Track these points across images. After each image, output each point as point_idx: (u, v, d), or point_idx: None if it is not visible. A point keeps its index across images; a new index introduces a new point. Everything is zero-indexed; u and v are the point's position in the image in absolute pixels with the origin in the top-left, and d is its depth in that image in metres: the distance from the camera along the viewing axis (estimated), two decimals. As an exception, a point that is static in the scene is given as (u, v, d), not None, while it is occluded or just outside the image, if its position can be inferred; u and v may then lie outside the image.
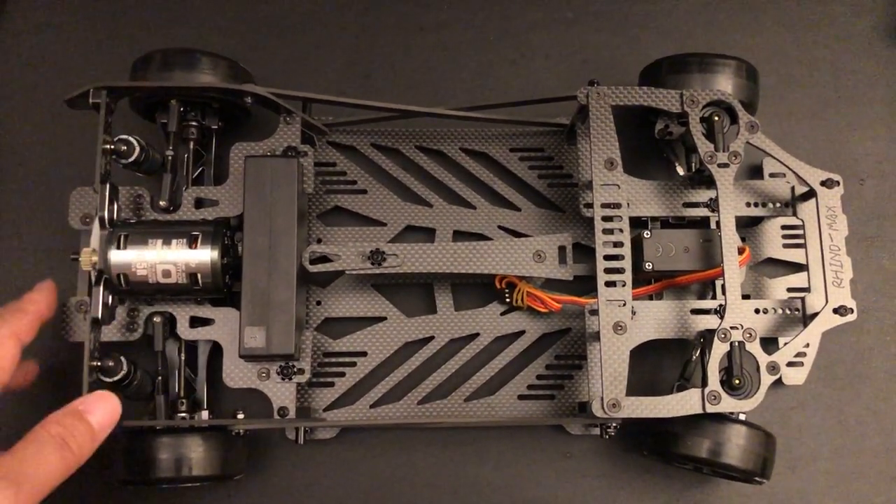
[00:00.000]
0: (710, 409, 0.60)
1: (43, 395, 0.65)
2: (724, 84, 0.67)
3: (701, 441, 0.62)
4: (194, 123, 0.67)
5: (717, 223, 0.64)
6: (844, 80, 0.78)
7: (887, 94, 0.78)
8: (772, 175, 0.72)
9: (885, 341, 0.73)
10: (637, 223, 0.69)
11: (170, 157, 0.65)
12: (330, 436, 0.69)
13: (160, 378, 0.64)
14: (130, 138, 0.63)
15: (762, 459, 0.63)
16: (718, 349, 0.61)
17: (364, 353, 0.69)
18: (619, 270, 0.62)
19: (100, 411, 0.53)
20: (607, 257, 0.62)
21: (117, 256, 0.60)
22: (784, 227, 0.71)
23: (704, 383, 0.61)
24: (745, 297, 0.70)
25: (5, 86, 0.76)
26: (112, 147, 0.61)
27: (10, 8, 0.77)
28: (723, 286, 0.62)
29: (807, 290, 0.69)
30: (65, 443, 0.50)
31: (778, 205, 0.70)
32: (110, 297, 0.61)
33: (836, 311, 0.65)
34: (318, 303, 0.70)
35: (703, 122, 0.65)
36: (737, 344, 0.61)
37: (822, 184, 0.67)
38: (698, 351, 0.67)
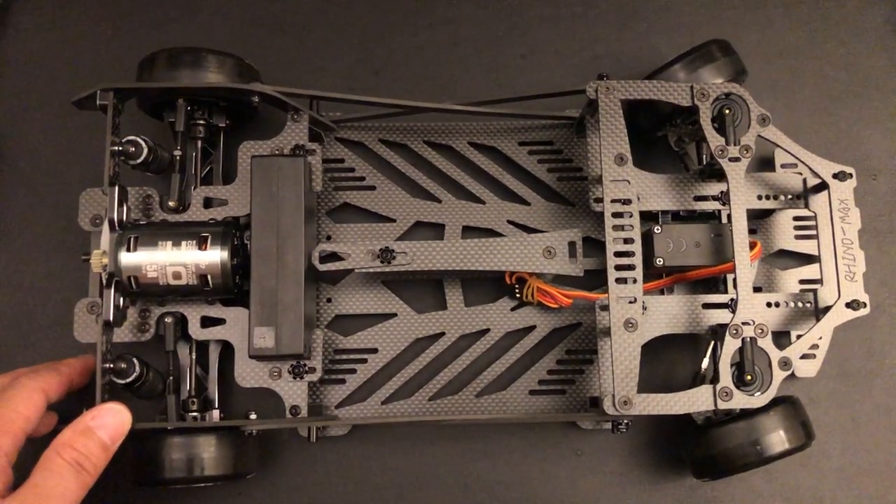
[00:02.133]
0: (722, 405, 0.59)
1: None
2: (709, 73, 0.66)
3: (746, 447, 0.61)
4: (202, 122, 0.67)
5: (729, 217, 0.63)
6: (856, 74, 0.77)
7: (900, 89, 0.77)
8: (783, 166, 0.71)
9: (898, 336, 0.72)
10: (648, 216, 0.68)
11: (178, 157, 0.65)
12: (342, 433, 0.69)
13: (171, 378, 0.64)
14: (139, 139, 0.63)
15: (802, 427, 0.63)
16: (730, 345, 0.61)
17: (375, 350, 0.70)
18: (630, 267, 0.61)
19: (111, 426, 0.53)
20: (618, 254, 0.62)
21: (127, 259, 0.60)
22: (796, 219, 0.71)
23: (716, 379, 0.60)
24: (757, 289, 0.70)
25: (12, 85, 0.76)
26: (120, 149, 0.61)
27: (17, 7, 0.77)
28: (734, 281, 0.62)
29: (819, 282, 0.69)
30: (81, 467, 0.50)
31: (790, 197, 0.69)
32: (121, 299, 0.61)
33: (848, 305, 0.65)
34: (329, 300, 0.70)
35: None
36: (748, 340, 0.61)
37: (835, 176, 0.66)
38: (711, 345, 0.66)
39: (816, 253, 0.69)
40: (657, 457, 0.70)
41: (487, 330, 0.70)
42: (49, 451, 0.51)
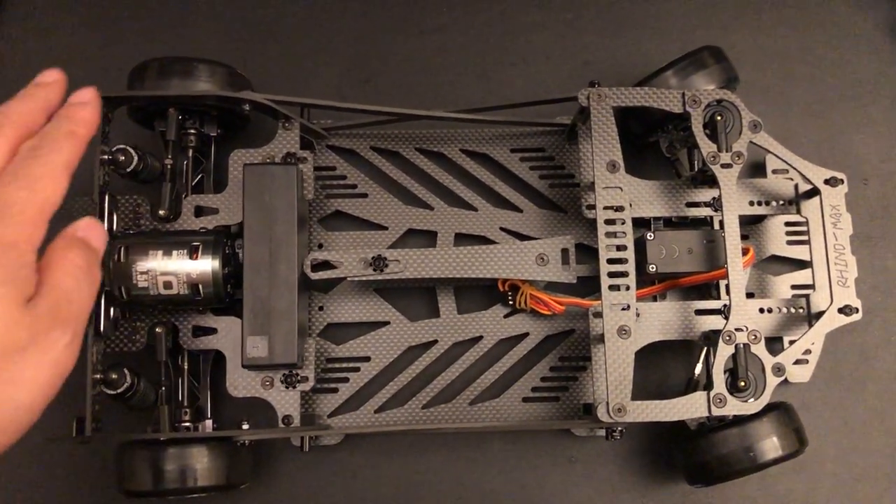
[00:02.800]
0: (716, 412, 0.59)
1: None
2: (701, 79, 0.66)
3: (739, 454, 0.61)
4: (193, 131, 0.67)
5: (721, 223, 0.63)
6: (847, 78, 0.77)
7: (891, 93, 0.77)
8: (774, 172, 0.71)
9: (890, 342, 0.72)
10: (640, 223, 0.68)
11: (169, 166, 0.65)
12: (335, 442, 0.69)
13: (163, 388, 0.64)
14: (128, 148, 0.62)
15: (795, 434, 0.63)
16: (723, 351, 0.61)
17: (367, 359, 0.69)
18: (623, 274, 0.61)
19: (96, 237, 0.46)
20: (611, 261, 0.61)
21: (118, 268, 0.60)
22: (788, 224, 0.71)
23: (709, 386, 0.60)
24: (749, 295, 0.70)
25: (2, 93, 0.75)
26: (110, 157, 0.61)
27: (7, 16, 0.77)
28: (727, 287, 0.62)
29: (811, 287, 0.69)
30: (90, 271, 0.44)
31: (781, 203, 0.69)
32: (112, 309, 0.60)
33: (841, 310, 0.65)
34: (321, 308, 0.70)
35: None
36: (742, 346, 0.61)
37: (826, 182, 0.66)
38: (704, 352, 0.66)
39: (808, 258, 0.69)
40: (650, 463, 0.70)
41: (480, 337, 0.70)
42: (52, 256, 0.43)
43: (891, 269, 0.74)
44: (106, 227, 0.60)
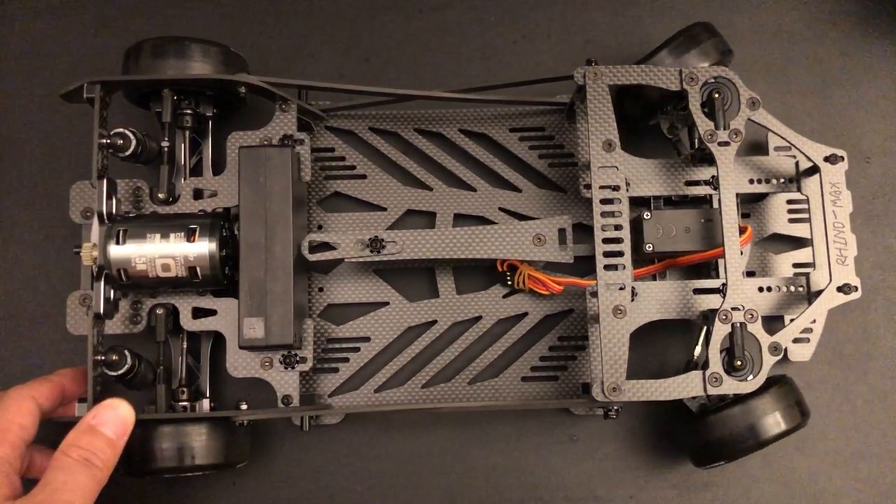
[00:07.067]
0: (712, 391, 0.59)
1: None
2: (695, 56, 0.66)
3: (745, 431, 0.61)
4: (188, 112, 0.67)
5: (720, 201, 0.63)
6: (849, 57, 0.76)
7: (893, 71, 0.76)
8: (777, 149, 0.70)
9: (892, 320, 0.72)
10: (639, 202, 0.68)
11: (166, 149, 0.65)
12: (335, 421, 0.69)
13: (161, 368, 0.64)
14: (126, 131, 0.62)
15: (797, 406, 0.62)
16: (719, 331, 0.60)
17: (367, 339, 0.70)
18: (619, 253, 0.61)
19: (112, 421, 0.54)
20: (606, 240, 0.61)
21: (116, 252, 0.60)
22: (789, 202, 0.70)
23: (706, 365, 0.60)
24: (751, 273, 0.70)
25: (-1, 77, 0.76)
26: (108, 141, 0.61)
27: (0, -2, 0.77)
28: (724, 266, 0.62)
29: (811, 266, 0.68)
30: (89, 462, 0.52)
31: (782, 181, 0.69)
32: (112, 292, 0.61)
33: (840, 289, 0.64)
34: (321, 289, 0.70)
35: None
36: (738, 325, 0.60)
37: (826, 159, 0.65)
38: (702, 333, 0.66)
39: (809, 237, 0.68)
40: (653, 441, 0.70)
41: (479, 317, 0.70)
42: (57, 454, 0.52)
43: (892, 248, 0.73)
44: (105, 211, 0.60)
